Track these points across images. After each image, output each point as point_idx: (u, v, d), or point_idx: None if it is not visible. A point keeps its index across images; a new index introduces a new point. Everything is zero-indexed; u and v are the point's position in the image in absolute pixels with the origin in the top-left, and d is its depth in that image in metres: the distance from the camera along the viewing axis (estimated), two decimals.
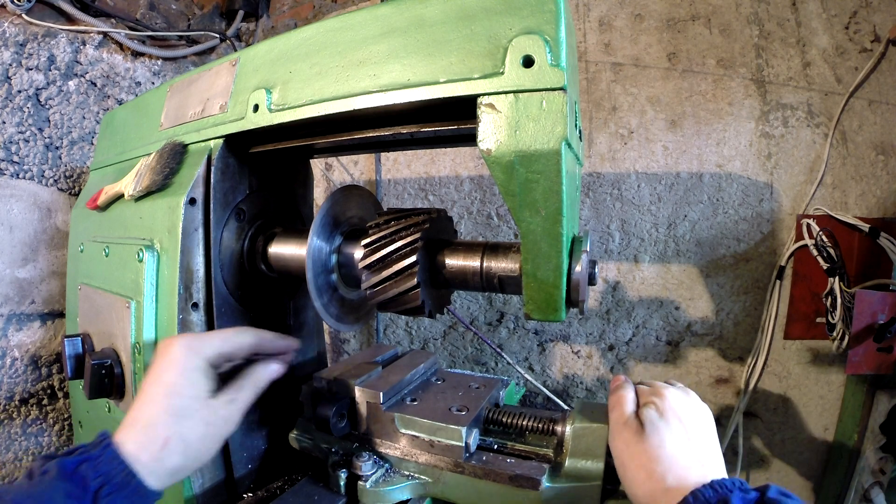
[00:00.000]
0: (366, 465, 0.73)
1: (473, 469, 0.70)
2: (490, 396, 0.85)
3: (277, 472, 0.91)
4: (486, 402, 0.82)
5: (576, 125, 0.66)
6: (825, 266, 1.19)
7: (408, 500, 0.73)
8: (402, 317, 1.70)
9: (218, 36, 1.76)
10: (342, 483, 0.73)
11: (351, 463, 0.74)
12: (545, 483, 0.67)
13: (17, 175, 1.28)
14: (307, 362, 1.06)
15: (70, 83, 1.39)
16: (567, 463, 0.69)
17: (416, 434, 0.74)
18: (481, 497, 0.70)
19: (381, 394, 0.77)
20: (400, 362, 0.94)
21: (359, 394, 0.79)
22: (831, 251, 1.18)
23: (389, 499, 0.72)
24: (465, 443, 0.71)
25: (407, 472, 0.75)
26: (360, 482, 0.72)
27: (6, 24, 1.27)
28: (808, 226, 1.24)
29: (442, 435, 0.72)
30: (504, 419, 0.79)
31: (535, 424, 0.77)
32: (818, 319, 1.25)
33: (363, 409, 0.79)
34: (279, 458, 0.93)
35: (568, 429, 0.72)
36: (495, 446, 0.78)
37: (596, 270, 0.67)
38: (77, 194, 1.38)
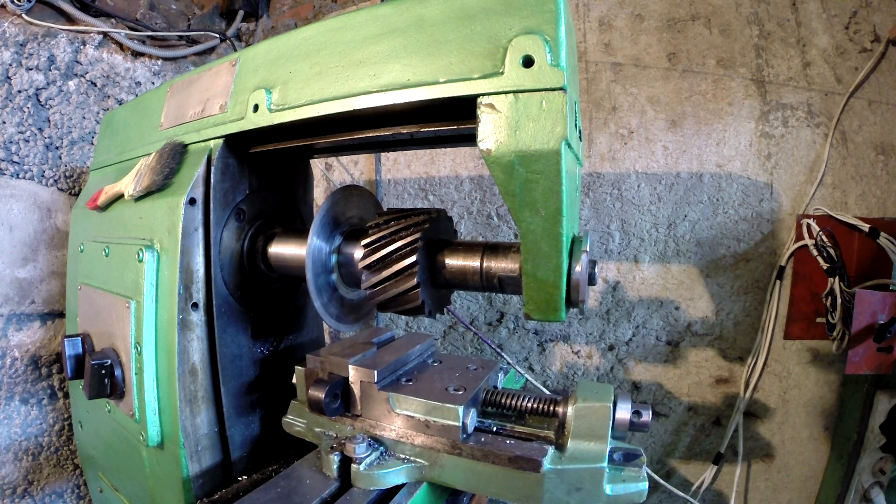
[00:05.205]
0: (359, 448, 0.69)
1: (471, 451, 0.67)
2: (488, 378, 0.81)
3: (274, 454, 0.90)
4: (484, 384, 0.78)
5: (576, 125, 0.66)
6: (825, 266, 1.19)
7: (403, 485, 0.70)
8: (402, 317, 1.70)
9: (218, 36, 1.76)
10: (335, 467, 0.70)
11: (344, 446, 0.71)
12: (547, 465, 0.64)
13: (17, 175, 1.28)
14: (305, 344, 1.05)
15: (70, 83, 1.39)
16: (569, 444, 0.66)
17: (412, 414, 0.72)
18: (480, 480, 0.67)
19: (376, 372, 0.74)
20: (396, 343, 0.90)
21: (353, 373, 0.76)
22: (831, 251, 1.18)
23: (383, 482, 0.69)
24: (462, 423, 0.68)
25: (402, 455, 0.71)
26: (353, 465, 0.69)
27: (6, 24, 1.27)
28: (808, 226, 1.24)
29: (438, 415, 0.70)
30: (503, 400, 0.76)
31: (536, 405, 0.74)
32: (818, 319, 1.25)
33: (357, 388, 0.76)
34: (276, 441, 0.92)
35: (570, 409, 0.68)
36: (494, 428, 0.74)
37: (596, 270, 0.66)
38: (77, 194, 1.38)
